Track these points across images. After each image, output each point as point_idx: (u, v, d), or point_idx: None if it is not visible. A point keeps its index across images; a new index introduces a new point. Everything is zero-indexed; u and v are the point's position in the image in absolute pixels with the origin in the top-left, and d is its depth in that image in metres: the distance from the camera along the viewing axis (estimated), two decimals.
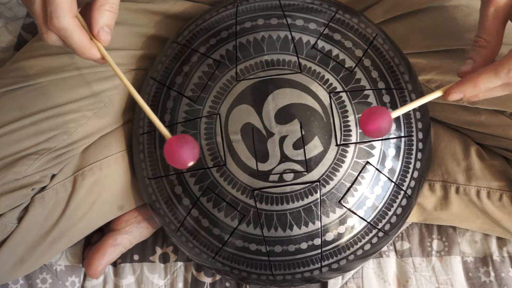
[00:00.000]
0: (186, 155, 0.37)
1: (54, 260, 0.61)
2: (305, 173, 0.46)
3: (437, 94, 0.42)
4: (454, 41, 0.56)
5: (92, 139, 0.55)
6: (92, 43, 0.38)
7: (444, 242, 0.63)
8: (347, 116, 0.47)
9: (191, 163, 0.37)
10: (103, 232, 0.62)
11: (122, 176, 0.57)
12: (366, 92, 0.48)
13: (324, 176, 0.46)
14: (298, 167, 0.46)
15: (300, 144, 0.46)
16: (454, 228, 0.63)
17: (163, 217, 0.52)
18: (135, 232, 0.61)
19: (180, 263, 0.63)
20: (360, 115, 0.41)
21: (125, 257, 0.62)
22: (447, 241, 0.62)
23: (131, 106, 0.58)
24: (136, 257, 0.63)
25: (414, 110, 0.50)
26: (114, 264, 0.62)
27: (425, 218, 0.61)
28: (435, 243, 0.63)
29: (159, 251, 0.63)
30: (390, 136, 0.48)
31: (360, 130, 0.46)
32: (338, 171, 0.47)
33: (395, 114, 0.42)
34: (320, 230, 0.47)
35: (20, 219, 0.52)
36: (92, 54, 0.38)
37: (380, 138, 0.48)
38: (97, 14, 0.37)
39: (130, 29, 0.57)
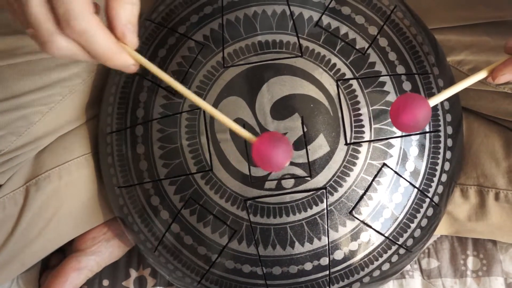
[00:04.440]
0: (283, 155, 0.39)
1: None
2: (308, 178, 0.47)
3: (481, 75, 0.42)
4: (492, 11, 0.56)
5: (48, 141, 0.56)
6: (119, 46, 0.37)
7: (481, 260, 0.64)
8: (358, 109, 0.48)
9: (287, 164, 0.40)
10: (64, 253, 0.64)
11: (86, 184, 0.58)
12: (382, 78, 0.49)
13: (331, 182, 0.48)
14: (299, 172, 0.48)
15: (302, 143, 0.47)
16: (494, 242, 0.65)
17: (137, 234, 0.53)
18: (104, 252, 0.62)
19: None
20: (392, 103, 0.41)
21: (92, 283, 0.64)
22: (486, 258, 0.64)
23: (96, 99, 0.59)
24: (105, 282, 0.64)
25: None
26: None
27: (457, 230, 0.62)
28: (470, 261, 0.64)
29: (134, 274, 0.65)
30: (412, 132, 0.49)
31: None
32: (349, 175, 0.48)
33: (434, 101, 0.42)
34: (327, 247, 0.48)
35: None
36: (123, 60, 0.37)
37: (404, 134, 0.49)
38: (118, 8, 0.35)
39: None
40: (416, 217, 0.50)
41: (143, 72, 0.52)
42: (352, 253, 0.49)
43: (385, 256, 0.50)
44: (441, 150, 0.51)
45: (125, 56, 0.37)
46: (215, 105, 0.48)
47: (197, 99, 0.40)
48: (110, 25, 0.36)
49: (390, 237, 0.50)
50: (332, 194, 0.48)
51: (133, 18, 0.37)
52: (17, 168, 0.55)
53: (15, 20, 0.36)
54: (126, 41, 0.37)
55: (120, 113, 0.53)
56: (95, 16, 0.35)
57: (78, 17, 0.33)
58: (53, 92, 0.54)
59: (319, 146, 0.47)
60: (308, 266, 0.49)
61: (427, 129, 0.50)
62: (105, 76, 0.58)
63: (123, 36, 0.36)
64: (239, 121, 0.48)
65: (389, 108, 0.48)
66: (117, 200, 0.54)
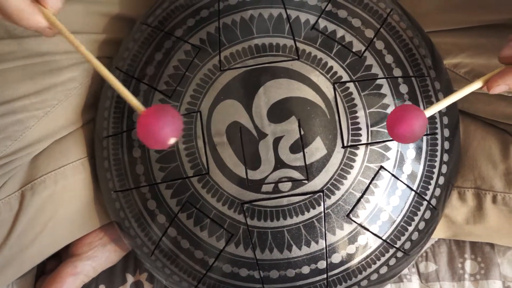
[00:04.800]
0: (167, 128, 0.36)
1: None
2: (305, 181, 0.48)
3: (476, 85, 0.42)
4: (489, 13, 0.57)
5: (44, 145, 0.56)
6: (35, 6, 0.37)
7: (479, 263, 0.64)
8: (355, 112, 0.48)
9: (173, 140, 0.37)
10: (61, 258, 0.64)
11: (82, 189, 0.58)
12: (378, 81, 0.49)
13: (328, 185, 0.48)
14: (296, 175, 0.48)
15: (299, 146, 0.48)
16: (492, 245, 0.65)
17: (134, 238, 0.53)
18: (100, 257, 0.62)
19: None
20: (388, 115, 0.42)
21: None
22: (484, 261, 0.64)
23: (92, 103, 0.59)
24: (102, 287, 0.64)
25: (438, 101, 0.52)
26: None
27: (455, 234, 0.62)
28: (468, 264, 0.64)
29: (130, 279, 0.65)
30: (409, 142, 0.49)
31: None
32: (346, 178, 0.48)
33: (430, 112, 0.42)
34: (325, 250, 0.49)
35: None
36: (35, 21, 0.37)
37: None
38: None
39: (89, 7, 0.57)
40: (413, 220, 0.51)
41: (139, 75, 0.52)
42: (350, 257, 0.49)
43: (382, 259, 0.51)
44: (438, 153, 0.51)
45: (38, 18, 0.37)
46: (212, 108, 0.49)
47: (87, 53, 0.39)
48: None
49: (388, 240, 0.50)
50: (329, 197, 0.48)
51: None
52: (13, 173, 0.55)
53: None
54: (45, 3, 0.37)
55: (116, 117, 0.53)
56: None
57: None
58: (49, 97, 0.54)
59: (316, 149, 0.48)
60: (305, 269, 0.49)
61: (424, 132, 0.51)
62: (101, 80, 0.58)
63: None
64: (235, 124, 0.48)
65: (386, 111, 0.49)
66: (113, 204, 0.54)
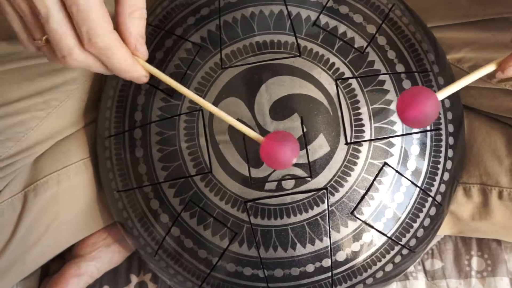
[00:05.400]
0: (291, 153, 0.41)
1: None
2: (309, 179, 0.48)
3: (489, 67, 0.42)
4: (494, 7, 0.57)
5: (46, 146, 0.57)
6: (134, 58, 0.40)
7: (486, 260, 0.64)
8: (358, 108, 0.49)
9: (295, 160, 0.41)
10: (64, 259, 0.64)
11: (85, 189, 0.59)
12: (381, 77, 0.50)
13: (332, 182, 0.48)
14: (300, 172, 0.48)
15: (302, 143, 0.48)
16: (499, 242, 0.65)
17: (137, 238, 0.54)
18: (104, 257, 0.63)
19: None
20: (398, 98, 0.41)
21: None
22: (490, 258, 0.64)
23: (94, 103, 0.59)
24: None
25: None
26: None
27: (461, 230, 0.63)
28: (474, 261, 0.64)
29: (134, 280, 0.65)
30: (413, 131, 0.50)
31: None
32: (349, 175, 0.48)
33: (442, 95, 0.41)
34: (329, 248, 0.49)
35: None
36: (138, 72, 0.40)
37: (406, 133, 0.49)
38: (129, 23, 0.38)
39: None
40: (418, 217, 0.51)
41: None
42: (355, 254, 0.50)
43: (388, 256, 0.51)
44: (443, 149, 0.52)
45: (139, 68, 0.40)
46: (214, 106, 0.49)
47: (209, 105, 0.42)
48: (123, 40, 0.39)
49: (393, 238, 0.50)
50: (333, 195, 0.48)
51: (143, 31, 0.40)
52: (15, 174, 0.56)
53: (21, 33, 0.38)
54: (138, 54, 0.40)
55: (118, 117, 0.53)
56: (115, 33, 0.37)
57: (100, 35, 0.36)
58: (50, 97, 0.54)
59: (319, 146, 0.48)
60: (310, 268, 0.49)
61: (428, 127, 0.51)
62: (102, 81, 0.59)
63: (136, 49, 0.40)
64: None
65: (389, 106, 0.49)
66: (116, 204, 0.54)
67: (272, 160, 0.41)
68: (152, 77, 0.51)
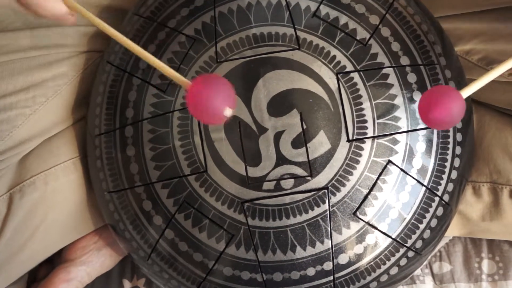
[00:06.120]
0: (220, 97, 0.36)
1: None
2: (309, 178, 0.47)
3: None
4: None
5: (33, 144, 0.56)
6: None
7: (497, 263, 0.64)
8: (360, 103, 0.48)
9: (228, 112, 0.36)
10: (53, 264, 0.63)
11: (74, 190, 0.58)
12: (385, 70, 0.49)
13: (333, 182, 0.48)
14: (299, 171, 0.47)
15: (301, 141, 0.47)
16: (511, 243, 0.64)
17: (129, 242, 0.53)
18: (95, 262, 0.62)
19: None
20: (421, 98, 0.40)
21: None
22: (502, 261, 0.64)
23: (83, 100, 0.59)
24: None
25: None
26: None
27: (471, 231, 0.62)
28: (485, 264, 0.64)
29: (127, 285, 0.65)
30: (418, 127, 0.49)
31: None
32: (352, 174, 0.48)
33: (467, 93, 0.41)
34: (331, 251, 0.48)
35: None
36: (57, 8, 0.37)
37: (411, 129, 0.48)
38: None
39: None
40: (425, 217, 0.50)
41: (132, 69, 0.52)
42: (358, 257, 0.49)
43: (393, 259, 0.50)
44: (450, 146, 0.51)
45: (59, 5, 0.38)
46: None
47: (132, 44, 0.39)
48: None
49: (398, 239, 0.50)
50: (334, 194, 0.47)
51: None
52: (0, 175, 0.55)
53: None
54: None
55: (108, 114, 0.53)
56: None
57: None
58: (37, 93, 0.54)
59: (320, 144, 0.47)
60: (310, 271, 0.49)
61: None
62: (92, 76, 0.58)
63: None
64: (234, 119, 0.48)
65: (393, 101, 0.48)
66: (107, 206, 0.54)
67: (199, 109, 0.36)
68: (144, 72, 0.51)
